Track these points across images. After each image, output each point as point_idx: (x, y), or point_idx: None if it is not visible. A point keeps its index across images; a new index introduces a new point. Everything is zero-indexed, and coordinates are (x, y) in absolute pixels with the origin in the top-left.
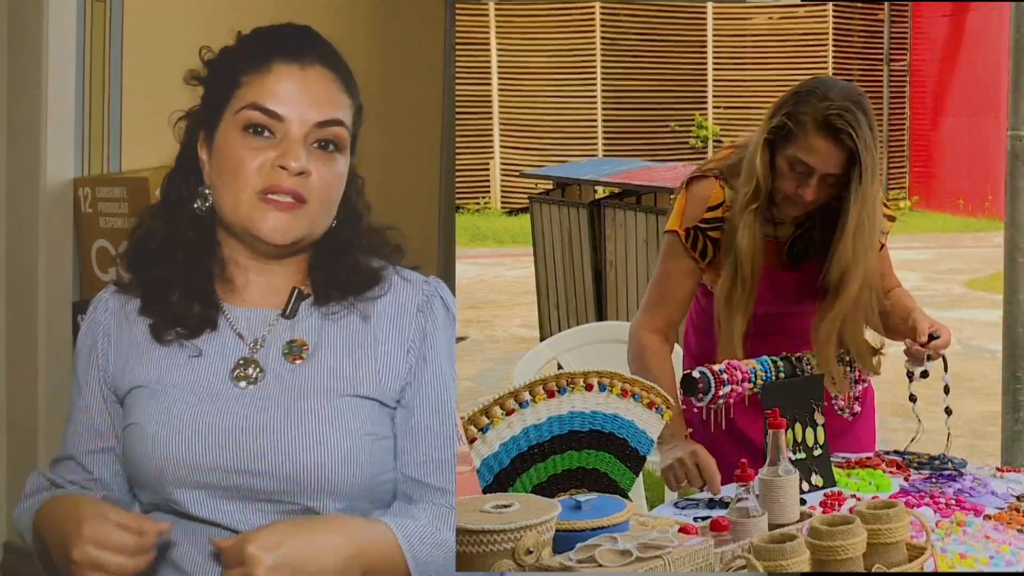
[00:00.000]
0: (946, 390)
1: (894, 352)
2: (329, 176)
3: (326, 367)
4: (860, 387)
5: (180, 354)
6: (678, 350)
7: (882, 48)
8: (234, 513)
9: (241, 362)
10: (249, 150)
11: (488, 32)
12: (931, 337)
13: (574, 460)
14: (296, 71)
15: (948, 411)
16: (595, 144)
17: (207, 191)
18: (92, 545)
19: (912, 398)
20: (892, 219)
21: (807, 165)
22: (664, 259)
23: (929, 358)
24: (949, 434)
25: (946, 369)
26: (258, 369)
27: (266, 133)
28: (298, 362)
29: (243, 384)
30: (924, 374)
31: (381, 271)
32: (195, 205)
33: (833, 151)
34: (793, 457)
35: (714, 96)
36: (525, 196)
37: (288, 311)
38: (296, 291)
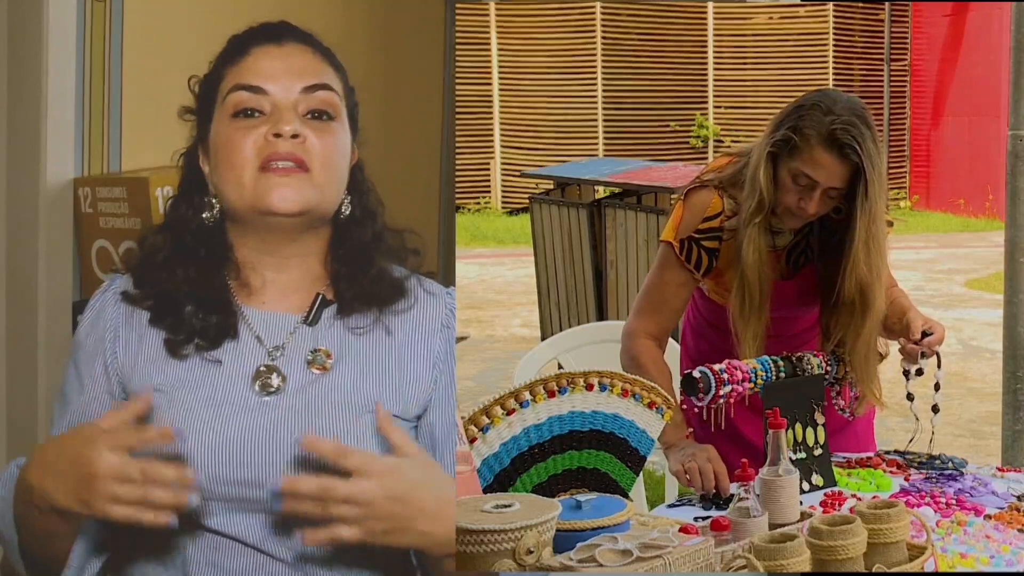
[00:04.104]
0: (936, 387)
1: (893, 350)
2: (328, 143)
3: (349, 381)
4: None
5: (197, 358)
6: (676, 350)
7: (882, 48)
8: (249, 525)
9: (263, 369)
10: (242, 131)
11: (488, 32)
12: (924, 334)
13: (574, 460)
14: (273, 49)
15: (935, 409)
16: (595, 144)
17: (213, 199)
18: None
19: (909, 397)
20: (890, 224)
21: (811, 179)
22: (658, 268)
23: (924, 355)
24: (933, 432)
25: (939, 366)
26: (280, 377)
27: (257, 114)
28: (321, 372)
29: (265, 393)
30: (919, 372)
31: (404, 281)
32: (204, 216)
33: (837, 165)
34: (793, 457)
35: (715, 96)
36: (525, 196)
37: (311, 318)
38: (320, 297)
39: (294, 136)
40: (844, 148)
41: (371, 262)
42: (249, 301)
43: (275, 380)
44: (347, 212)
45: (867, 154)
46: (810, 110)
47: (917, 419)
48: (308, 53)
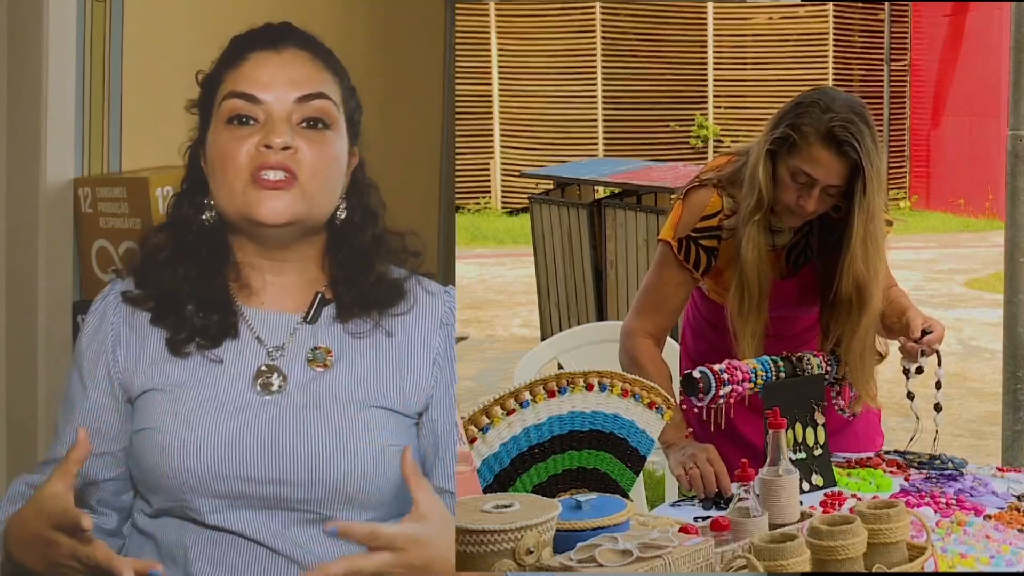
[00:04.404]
0: (938, 385)
1: (892, 350)
2: (320, 153)
3: (350, 377)
4: None
5: (198, 357)
6: (676, 349)
7: (882, 48)
8: (252, 522)
9: (264, 369)
10: (235, 140)
11: (488, 32)
12: (924, 333)
13: (574, 460)
14: (271, 56)
15: (938, 407)
16: (595, 144)
17: (211, 201)
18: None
19: (910, 395)
20: (889, 223)
21: (809, 176)
22: (656, 268)
23: (923, 354)
24: (937, 431)
25: (939, 364)
26: (281, 377)
27: (251, 122)
28: (322, 369)
29: (266, 393)
30: (919, 370)
31: (404, 283)
32: (203, 217)
33: (836, 163)
34: (793, 457)
35: (714, 96)
36: (525, 196)
37: (311, 317)
38: (319, 296)
39: (285, 148)
40: (843, 145)
41: (370, 267)
42: (249, 302)
43: (276, 380)
44: (343, 217)
45: (865, 151)
46: (809, 107)
47: (918, 418)
48: (307, 60)
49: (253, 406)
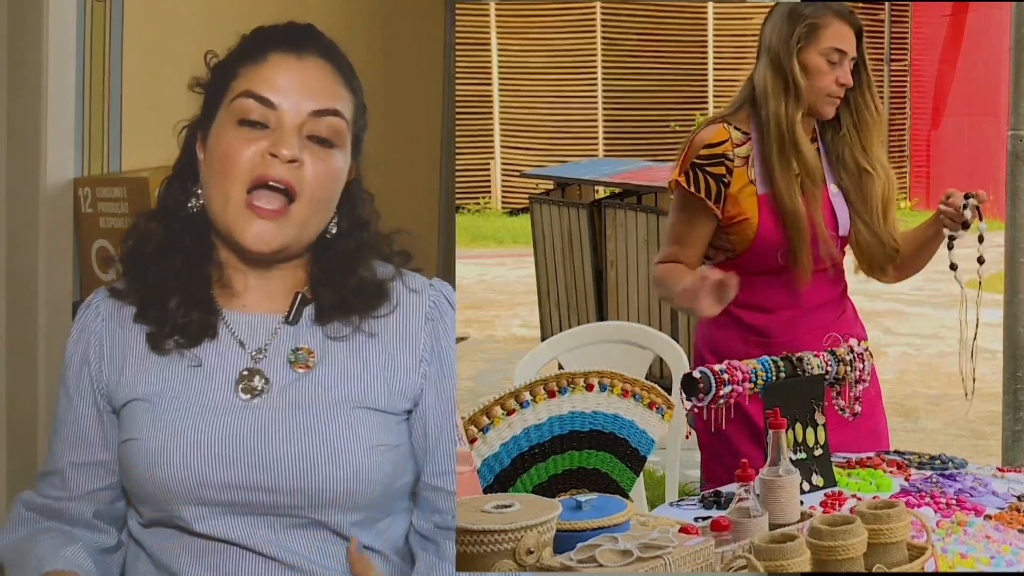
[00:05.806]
0: (980, 239)
1: (893, 351)
2: (323, 171)
3: (333, 379)
4: (861, 387)
5: (179, 364)
6: (679, 351)
7: (882, 48)
8: (241, 528)
9: (246, 373)
10: (241, 141)
11: (488, 32)
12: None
13: (575, 460)
14: (293, 61)
15: (980, 260)
16: (595, 144)
17: (200, 191)
18: None
19: (953, 266)
20: None
21: (841, 51)
22: (674, 211)
23: (966, 207)
24: (981, 283)
25: (980, 218)
26: (264, 380)
27: (260, 125)
28: (304, 371)
29: (249, 396)
30: (965, 225)
31: (387, 284)
32: (190, 205)
33: (850, 33)
34: (793, 457)
35: (715, 96)
36: (525, 196)
37: (292, 317)
38: (300, 296)
39: (291, 161)
40: (852, 15)
41: (352, 270)
42: (230, 304)
43: (258, 382)
44: (333, 232)
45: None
46: (802, 4)
47: (962, 286)
48: (327, 72)
49: (236, 411)
